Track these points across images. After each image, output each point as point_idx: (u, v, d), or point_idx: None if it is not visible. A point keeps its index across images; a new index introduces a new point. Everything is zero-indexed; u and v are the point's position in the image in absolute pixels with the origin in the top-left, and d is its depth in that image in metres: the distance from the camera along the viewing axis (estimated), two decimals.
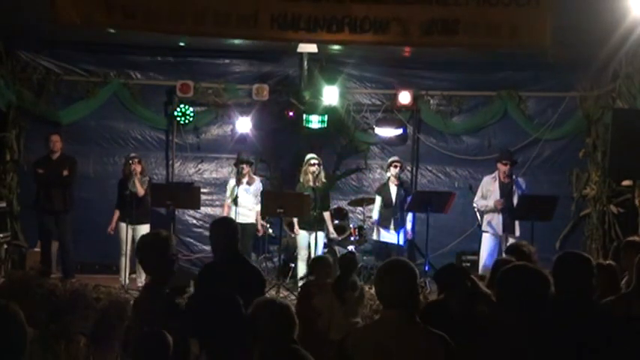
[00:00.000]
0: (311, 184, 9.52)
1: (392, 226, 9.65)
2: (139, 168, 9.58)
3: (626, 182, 9.21)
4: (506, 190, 9.31)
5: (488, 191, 9.45)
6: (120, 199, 9.64)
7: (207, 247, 11.20)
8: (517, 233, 9.25)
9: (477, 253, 9.70)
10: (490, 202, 9.35)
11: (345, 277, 6.28)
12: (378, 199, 9.97)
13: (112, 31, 8.74)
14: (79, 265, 9.69)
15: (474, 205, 9.65)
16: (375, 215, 9.99)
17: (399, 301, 3.52)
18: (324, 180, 9.77)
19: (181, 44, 9.45)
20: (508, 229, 9.24)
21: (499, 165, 9.46)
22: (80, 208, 9.99)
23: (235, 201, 9.66)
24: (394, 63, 11.10)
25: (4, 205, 10.01)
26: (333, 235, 10.07)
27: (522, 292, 3.27)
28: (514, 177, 9.45)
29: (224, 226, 5.76)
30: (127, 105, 11.06)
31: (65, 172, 9.58)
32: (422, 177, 11.46)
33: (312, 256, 9.45)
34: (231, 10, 7.91)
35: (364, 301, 6.45)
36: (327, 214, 9.85)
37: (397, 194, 9.75)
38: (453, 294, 4.43)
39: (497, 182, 9.43)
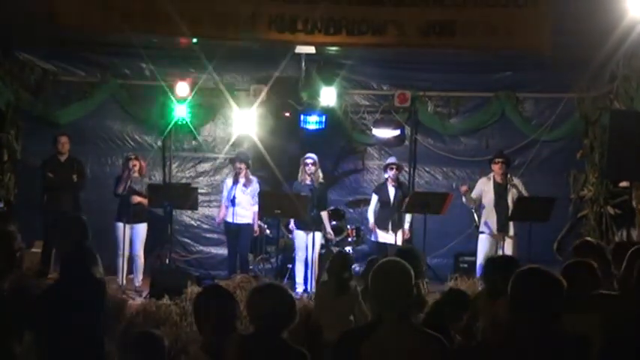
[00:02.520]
0: (307, 181, 9.52)
1: (390, 227, 9.65)
2: (137, 167, 9.56)
3: (623, 183, 9.22)
4: (501, 190, 9.34)
5: (482, 191, 9.50)
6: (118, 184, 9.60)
7: (205, 248, 11.25)
8: (511, 232, 9.27)
9: (474, 254, 9.71)
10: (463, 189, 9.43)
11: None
12: (375, 198, 9.96)
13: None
14: None
15: (471, 205, 9.68)
16: (371, 215, 9.99)
17: (396, 301, 3.52)
18: (321, 180, 9.77)
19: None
20: (504, 229, 9.26)
21: (492, 165, 9.53)
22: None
23: (232, 201, 9.66)
24: (392, 64, 11.11)
25: (1, 205, 10.01)
26: (331, 236, 10.07)
27: (535, 294, 3.25)
28: (509, 176, 9.48)
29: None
30: (124, 106, 11.07)
31: (75, 178, 9.64)
32: (419, 178, 11.46)
33: (310, 256, 9.46)
34: (228, 12, 7.92)
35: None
36: (324, 214, 9.83)
37: (395, 195, 9.75)
38: None
39: (492, 182, 9.47)
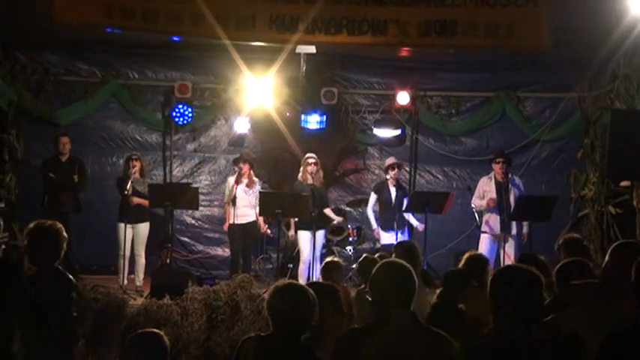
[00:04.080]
0: (309, 181, 9.51)
1: (395, 227, 9.60)
2: (137, 166, 9.55)
3: (624, 183, 9.19)
4: (502, 189, 9.33)
5: (485, 191, 9.48)
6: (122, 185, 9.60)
7: (206, 248, 11.26)
8: (513, 231, 9.25)
9: None
10: (484, 202, 9.39)
11: None
12: (374, 197, 9.94)
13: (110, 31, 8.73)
14: (77, 266, 9.68)
15: (472, 205, 9.68)
16: (371, 214, 9.93)
17: (402, 301, 3.52)
18: (322, 179, 9.76)
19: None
20: (506, 228, 9.25)
21: (493, 165, 9.51)
22: None
23: (234, 201, 9.64)
24: (393, 64, 11.10)
25: (2, 205, 10.00)
26: (338, 219, 9.93)
27: (514, 293, 3.23)
28: (510, 175, 9.46)
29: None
30: (125, 105, 11.07)
31: (76, 178, 9.62)
32: (420, 178, 11.46)
33: (312, 256, 9.44)
34: (229, 11, 7.92)
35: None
36: (328, 210, 9.80)
37: (396, 195, 9.75)
38: None
39: (493, 182, 9.46)
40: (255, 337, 3.66)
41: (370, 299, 3.66)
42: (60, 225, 4.70)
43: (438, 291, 5.25)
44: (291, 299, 3.53)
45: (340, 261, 6.50)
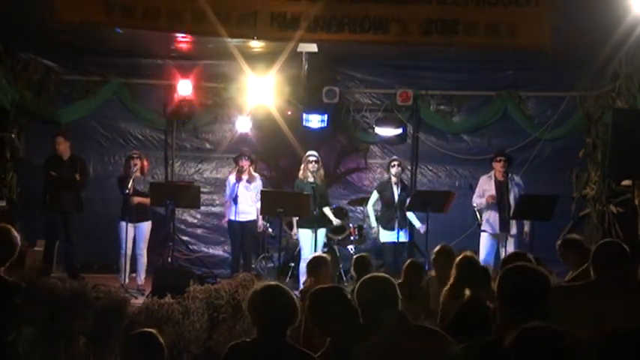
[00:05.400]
0: (310, 179, 9.51)
1: (395, 227, 9.59)
2: (139, 165, 9.55)
3: (625, 182, 9.19)
4: (502, 188, 9.32)
5: (485, 190, 9.46)
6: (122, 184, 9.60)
7: (207, 247, 11.26)
8: (512, 232, 9.24)
9: (476, 252, 9.68)
10: (483, 200, 9.38)
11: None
12: (376, 196, 9.91)
13: (117, 30, 8.74)
14: (79, 265, 9.69)
15: (474, 204, 9.66)
16: (371, 212, 9.90)
17: (392, 302, 3.53)
18: (323, 177, 9.76)
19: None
20: (506, 227, 9.24)
21: (494, 164, 9.49)
22: None
23: (235, 199, 9.65)
24: (394, 62, 11.10)
25: (4, 204, 10.01)
26: (337, 222, 9.95)
27: (521, 292, 3.21)
28: (510, 175, 9.44)
29: None
30: (126, 104, 11.09)
31: (77, 176, 9.58)
32: (422, 176, 11.46)
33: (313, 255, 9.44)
34: (230, 9, 7.90)
35: None
36: (327, 209, 9.81)
37: (399, 195, 9.74)
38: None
39: (493, 181, 9.44)
40: (242, 343, 3.67)
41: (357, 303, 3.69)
42: (9, 229, 4.58)
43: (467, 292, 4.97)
44: (272, 300, 3.57)
45: (326, 256, 6.49)
